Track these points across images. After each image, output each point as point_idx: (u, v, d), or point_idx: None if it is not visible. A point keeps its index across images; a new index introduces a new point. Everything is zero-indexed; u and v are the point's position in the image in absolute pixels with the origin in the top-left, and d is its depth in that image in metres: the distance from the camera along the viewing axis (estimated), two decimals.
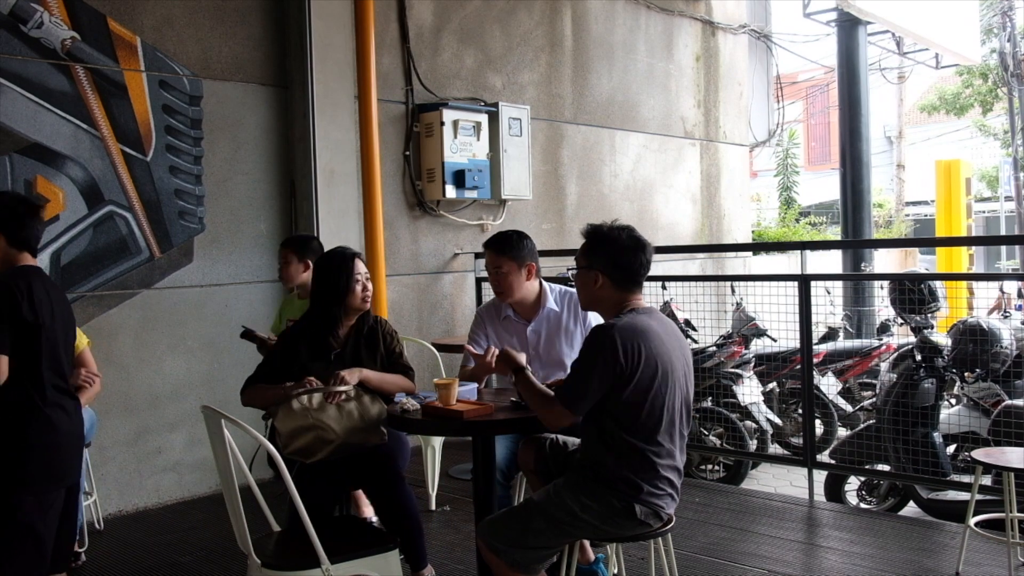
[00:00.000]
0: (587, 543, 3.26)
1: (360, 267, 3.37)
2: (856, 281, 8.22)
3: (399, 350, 3.43)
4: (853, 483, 4.95)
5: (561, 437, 3.10)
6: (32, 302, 2.66)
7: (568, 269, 3.46)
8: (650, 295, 5.60)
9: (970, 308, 5.46)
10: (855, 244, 10.93)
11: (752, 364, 5.83)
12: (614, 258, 2.72)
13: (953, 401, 5.17)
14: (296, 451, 3.07)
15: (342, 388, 3.11)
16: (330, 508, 3.28)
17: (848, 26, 10.53)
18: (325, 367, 3.23)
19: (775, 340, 6.01)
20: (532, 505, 2.65)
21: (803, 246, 4.99)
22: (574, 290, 3.44)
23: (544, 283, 3.50)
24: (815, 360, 5.40)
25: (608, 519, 2.58)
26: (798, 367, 5.12)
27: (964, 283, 6.14)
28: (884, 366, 5.40)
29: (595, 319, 3.36)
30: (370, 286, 3.39)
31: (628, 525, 2.59)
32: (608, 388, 2.54)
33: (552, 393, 2.69)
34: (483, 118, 6.23)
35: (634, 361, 2.53)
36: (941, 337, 4.71)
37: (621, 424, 2.56)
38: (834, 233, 17.35)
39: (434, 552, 3.62)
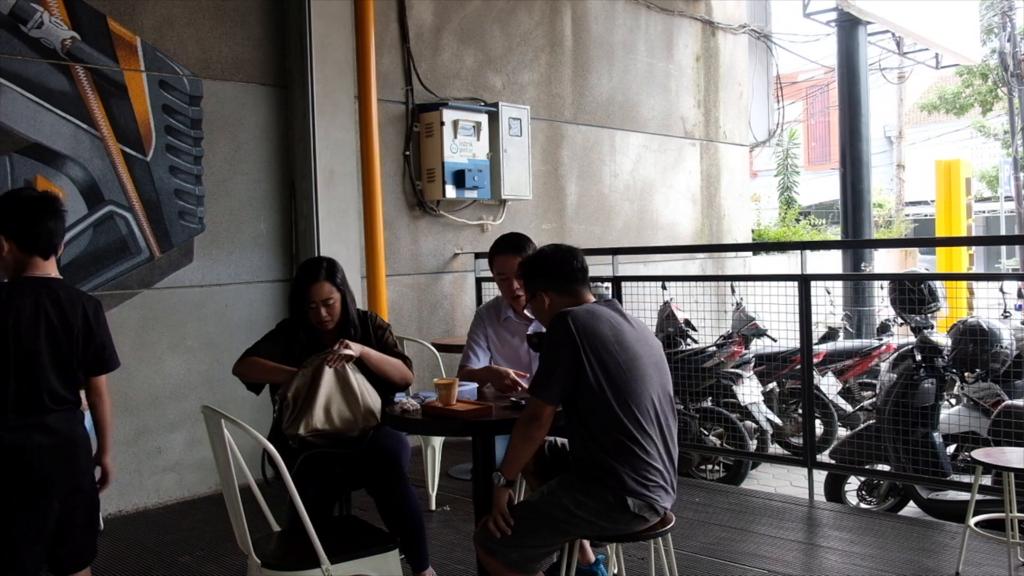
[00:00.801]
0: (587, 544, 3.26)
1: (319, 292, 3.22)
2: (856, 281, 8.22)
3: (392, 341, 3.42)
4: (853, 483, 4.95)
5: (560, 440, 3.10)
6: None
7: (524, 310, 3.49)
8: (650, 295, 5.61)
9: (970, 308, 5.46)
10: (855, 244, 10.93)
11: (752, 364, 5.83)
12: (549, 272, 2.84)
13: (953, 401, 5.17)
14: (294, 421, 3.06)
15: (347, 352, 3.11)
16: (329, 507, 3.28)
17: (848, 26, 10.53)
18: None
19: (775, 340, 6.01)
20: (528, 505, 2.66)
21: (803, 246, 4.99)
22: None
23: None
24: (815, 360, 5.40)
25: (603, 514, 2.58)
26: (798, 367, 5.12)
27: (964, 283, 6.14)
28: (884, 366, 5.39)
29: None
30: (330, 310, 3.25)
31: (623, 519, 2.59)
32: (575, 373, 2.57)
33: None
34: (483, 118, 6.23)
35: (591, 341, 2.58)
36: (941, 337, 4.71)
37: (602, 419, 2.58)
38: (834, 233, 17.34)
39: (434, 552, 3.61)
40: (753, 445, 5.43)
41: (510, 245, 3.42)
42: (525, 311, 3.43)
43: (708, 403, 5.62)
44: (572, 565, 2.69)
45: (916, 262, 15.31)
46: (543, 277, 2.85)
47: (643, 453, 2.58)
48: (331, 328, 3.30)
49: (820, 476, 4.87)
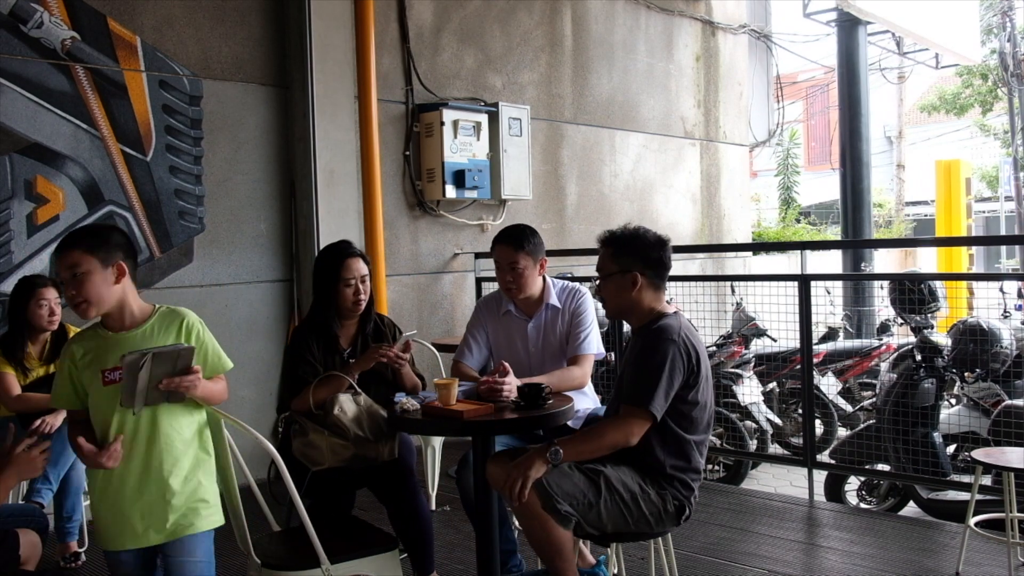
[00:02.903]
0: (585, 550, 3.27)
1: (353, 268, 3.21)
2: (856, 281, 8.22)
3: (409, 350, 3.41)
4: (853, 483, 4.95)
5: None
6: None
7: (592, 283, 3.44)
8: None
9: (970, 308, 5.46)
10: (855, 244, 10.93)
11: (752, 364, 5.83)
12: (648, 255, 2.70)
13: (953, 401, 5.17)
14: (307, 453, 3.04)
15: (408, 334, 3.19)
16: (348, 509, 3.28)
17: (848, 26, 10.53)
18: (340, 364, 3.21)
19: (775, 340, 6.01)
20: (603, 478, 2.61)
21: (803, 246, 4.99)
22: (576, 285, 3.44)
23: (547, 278, 3.48)
24: (815, 360, 5.40)
25: (656, 515, 2.64)
26: (798, 367, 5.12)
27: (964, 283, 6.15)
28: (884, 366, 5.40)
29: (588, 313, 3.36)
30: (365, 288, 3.23)
31: (669, 526, 2.70)
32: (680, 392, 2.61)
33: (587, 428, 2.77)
34: (483, 118, 6.23)
35: (696, 364, 2.61)
36: (941, 337, 4.71)
37: (681, 424, 2.63)
38: (834, 233, 17.34)
39: (435, 552, 3.61)
40: (753, 445, 5.44)
41: (510, 237, 3.36)
42: (572, 283, 3.41)
43: None
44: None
45: (916, 262, 15.31)
46: (642, 261, 2.70)
47: (701, 464, 2.70)
48: (359, 312, 3.27)
49: (820, 476, 4.87)
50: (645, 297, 2.71)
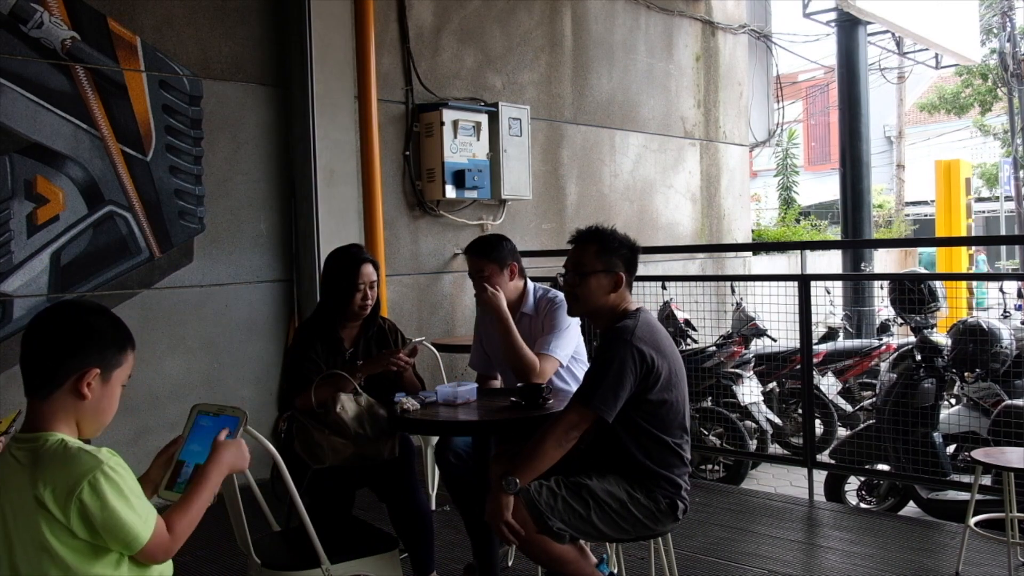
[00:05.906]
0: (586, 548, 3.27)
1: (365, 274, 3.29)
2: (856, 281, 8.22)
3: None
4: (853, 483, 4.95)
5: None
6: None
7: (560, 275, 3.45)
8: (650, 295, 5.61)
9: (970, 308, 5.47)
10: (855, 244, 10.93)
11: (752, 364, 5.83)
12: (629, 258, 2.75)
13: (953, 401, 5.17)
14: (324, 453, 3.05)
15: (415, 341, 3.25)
16: (348, 509, 3.29)
17: (848, 26, 10.54)
18: (343, 364, 3.24)
19: (775, 340, 6.01)
20: (588, 492, 2.63)
21: (803, 246, 5.00)
22: (552, 292, 3.45)
23: (529, 283, 3.51)
24: (815, 360, 5.40)
25: (651, 516, 2.65)
26: (798, 367, 5.12)
27: (964, 283, 6.15)
28: (884, 366, 5.40)
29: (560, 321, 3.36)
30: (373, 293, 3.31)
31: (668, 524, 2.71)
32: (637, 391, 2.59)
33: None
34: (483, 118, 6.23)
35: (658, 363, 2.60)
36: (941, 337, 4.71)
37: (653, 424, 2.63)
38: (834, 233, 17.32)
39: (435, 552, 3.61)
40: (753, 445, 5.43)
41: (477, 246, 3.43)
42: (552, 289, 3.42)
43: (708, 403, 5.62)
44: None
45: (916, 262, 15.31)
46: (625, 260, 2.73)
47: (686, 458, 2.72)
48: (364, 316, 3.32)
49: (820, 476, 4.87)
50: (617, 298, 2.73)
